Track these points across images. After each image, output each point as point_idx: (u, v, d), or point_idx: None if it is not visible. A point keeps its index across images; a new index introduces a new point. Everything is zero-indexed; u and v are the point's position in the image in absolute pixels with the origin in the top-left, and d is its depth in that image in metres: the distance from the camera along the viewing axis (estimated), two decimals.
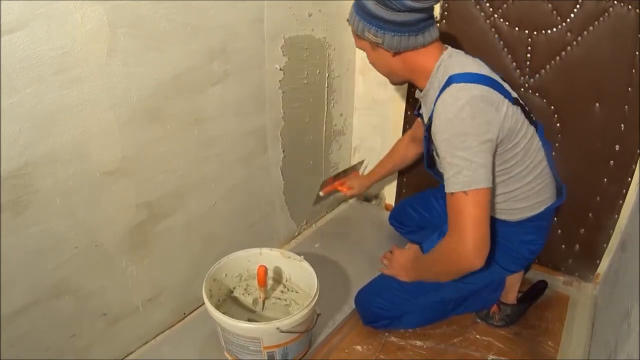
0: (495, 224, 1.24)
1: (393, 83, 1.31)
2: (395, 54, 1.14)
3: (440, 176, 1.27)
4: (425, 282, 1.29)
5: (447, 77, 1.09)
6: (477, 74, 1.08)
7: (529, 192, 1.22)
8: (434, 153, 1.23)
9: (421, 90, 1.23)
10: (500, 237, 1.27)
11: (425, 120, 1.24)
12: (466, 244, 1.04)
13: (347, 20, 1.17)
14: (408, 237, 1.71)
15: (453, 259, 1.08)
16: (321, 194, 1.69)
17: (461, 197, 1.03)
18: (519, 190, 1.21)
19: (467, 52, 1.19)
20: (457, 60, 1.13)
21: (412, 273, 1.31)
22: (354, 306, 1.42)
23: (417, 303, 1.32)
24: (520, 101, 1.15)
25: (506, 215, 1.26)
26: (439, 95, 1.09)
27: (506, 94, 1.09)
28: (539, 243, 1.30)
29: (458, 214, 1.05)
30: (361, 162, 1.89)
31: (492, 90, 1.06)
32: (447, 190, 1.06)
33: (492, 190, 1.11)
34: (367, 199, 2.10)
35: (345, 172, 1.78)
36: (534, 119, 1.19)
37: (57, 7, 0.87)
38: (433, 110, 1.10)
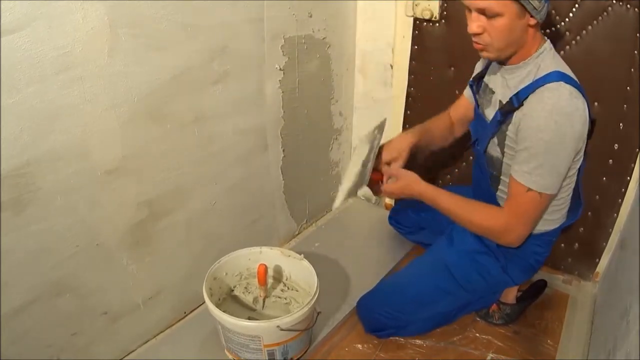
0: None
1: (497, 56, 1.14)
2: (535, 25, 1.07)
3: (487, 164, 1.26)
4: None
5: (550, 70, 1.07)
6: (579, 84, 1.08)
7: (557, 207, 1.23)
8: (493, 142, 1.20)
9: (502, 64, 1.17)
10: (516, 249, 1.25)
11: (499, 101, 1.20)
12: (512, 235, 1.16)
13: None
14: (408, 237, 1.71)
15: (493, 232, 1.19)
16: (370, 196, 1.47)
17: (534, 196, 1.09)
18: (553, 203, 1.21)
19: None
20: (557, 58, 1.12)
21: (428, 192, 1.24)
22: (354, 304, 1.42)
23: (424, 313, 1.32)
24: None
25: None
26: (537, 83, 1.06)
27: (590, 113, 1.09)
28: (545, 255, 1.31)
29: (523, 208, 1.12)
30: (383, 122, 1.41)
31: (586, 104, 1.07)
32: (522, 181, 1.09)
33: None
34: (367, 199, 2.11)
35: (373, 151, 1.34)
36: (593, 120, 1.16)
37: (58, 7, 0.88)
38: (526, 97, 1.08)
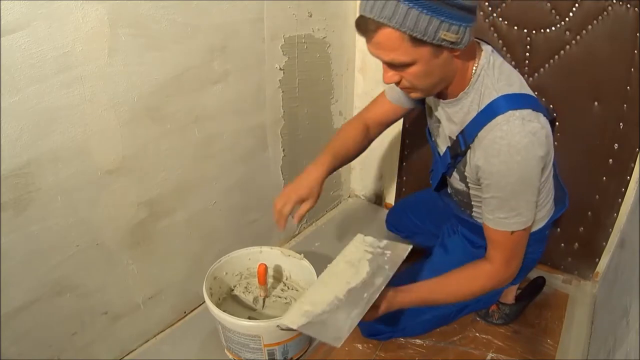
0: None
1: (420, 97, 1.04)
2: (461, 54, 0.91)
3: (454, 199, 1.20)
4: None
5: (494, 97, 0.95)
6: (527, 97, 0.97)
7: (539, 207, 1.14)
8: (454, 176, 1.12)
9: (443, 97, 1.05)
10: None
11: (449, 137, 1.09)
12: (509, 277, 1.09)
13: (384, 26, 0.83)
14: (408, 240, 1.71)
15: (494, 287, 1.10)
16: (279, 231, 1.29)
17: (519, 235, 1.03)
18: None
19: (496, 50, 1.03)
20: (500, 72, 0.98)
21: (410, 301, 1.12)
22: None
23: (421, 318, 1.31)
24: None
25: None
26: (482, 119, 0.96)
27: (545, 111, 0.99)
28: (539, 251, 1.29)
29: (512, 251, 1.06)
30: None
31: (540, 115, 0.96)
32: (503, 228, 1.01)
33: None
34: (367, 199, 2.11)
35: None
36: (553, 119, 1.10)
37: (58, 7, 0.88)
38: (472, 138, 0.98)
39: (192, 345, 1.33)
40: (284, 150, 1.62)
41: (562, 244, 1.61)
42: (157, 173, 1.20)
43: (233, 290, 1.42)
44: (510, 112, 0.93)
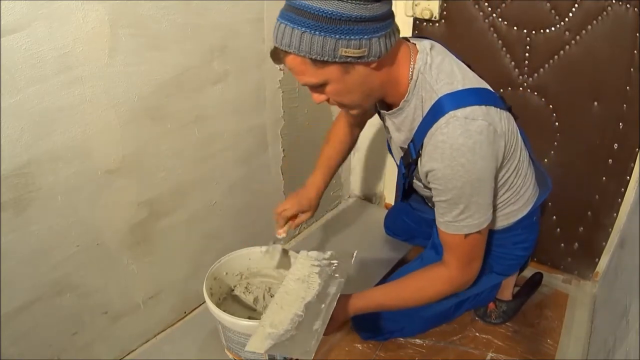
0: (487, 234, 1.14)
1: (359, 113, 1.01)
2: (379, 64, 0.88)
3: (421, 205, 1.20)
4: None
5: (435, 99, 0.91)
6: (472, 91, 0.92)
7: (517, 196, 1.13)
8: (416, 182, 1.08)
9: (388, 108, 1.02)
10: (494, 246, 1.22)
11: (400, 147, 1.07)
12: (469, 279, 1.06)
13: (288, 53, 0.85)
14: (408, 242, 1.71)
15: (453, 291, 1.08)
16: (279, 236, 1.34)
17: (474, 237, 0.99)
18: (510, 197, 1.12)
19: (433, 40, 0.99)
20: (438, 70, 0.94)
21: (364, 304, 1.12)
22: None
23: (420, 315, 1.30)
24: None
25: (499, 224, 1.18)
26: (427, 124, 0.92)
27: (497, 102, 0.95)
28: (531, 239, 1.27)
29: (468, 254, 1.03)
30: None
31: (490, 108, 0.92)
32: (453, 231, 0.98)
33: None
34: (367, 199, 2.11)
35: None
36: (510, 107, 1.05)
37: (59, 7, 0.88)
38: (421, 144, 0.95)
39: (192, 345, 1.34)
40: (283, 150, 1.62)
41: (562, 244, 1.61)
42: (157, 173, 1.20)
43: (233, 290, 1.42)
44: (450, 112, 0.88)
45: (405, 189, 1.14)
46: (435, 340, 1.36)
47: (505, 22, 1.44)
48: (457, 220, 0.97)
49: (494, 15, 1.45)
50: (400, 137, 1.05)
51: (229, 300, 1.40)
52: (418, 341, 1.36)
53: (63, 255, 1.06)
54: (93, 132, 1.02)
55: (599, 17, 1.30)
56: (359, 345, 1.34)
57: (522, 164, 1.09)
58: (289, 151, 1.64)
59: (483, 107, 0.91)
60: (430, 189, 1.02)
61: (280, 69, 1.47)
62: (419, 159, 0.99)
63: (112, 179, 1.10)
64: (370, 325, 1.33)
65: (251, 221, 1.60)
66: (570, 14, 1.33)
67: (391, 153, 1.22)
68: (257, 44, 1.36)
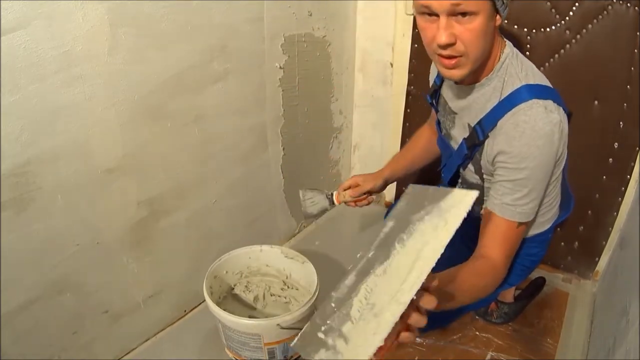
0: None
1: (470, 71, 0.96)
2: (496, 29, 0.94)
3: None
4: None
5: (517, 86, 0.96)
6: (549, 89, 0.98)
7: (547, 207, 1.15)
8: (469, 169, 1.10)
9: (458, 82, 1.03)
10: None
11: (464, 125, 1.09)
12: (506, 271, 1.01)
13: None
14: None
15: (495, 285, 1.02)
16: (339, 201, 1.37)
17: (522, 229, 1.00)
18: (542, 207, 1.12)
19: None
20: (522, 62, 1.00)
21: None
22: None
23: None
24: None
25: None
26: (503, 107, 0.96)
27: (565, 107, 0.99)
28: (541, 255, 1.28)
29: (513, 244, 1.01)
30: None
31: (560, 109, 0.96)
32: (508, 216, 0.98)
33: None
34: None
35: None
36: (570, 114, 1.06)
37: (59, 6, 0.88)
38: (492, 126, 0.98)
39: (193, 344, 1.34)
40: (284, 149, 1.62)
41: (562, 243, 1.61)
42: (157, 172, 1.20)
43: (233, 289, 1.42)
44: (534, 99, 0.94)
45: (455, 176, 1.15)
46: (435, 340, 1.36)
47: (506, 21, 1.44)
48: (516, 204, 0.97)
49: None
50: (470, 115, 1.06)
51: (229, 299, 1.40)
52: (418, 340, 1.35)
53: (63, 255, 1.06)
54: (93, 131, 1.02)
55: (599, 16, 1.29)
56: None
57: (558, 180, 1.11)
58: (289, 150, 1.64)
59: (560, 107, 0.96)
60: (481, 175, 1.06)
61: (280, 67, 1.46)
62: (487, 140, 1.02)
63: (112, 178, 1.09)
64: None
65: (251, 220, 1.60)
66: (571, 13, 1.33)
67: (441, 136, 1.20)
68: (257, 44, 1.36)
